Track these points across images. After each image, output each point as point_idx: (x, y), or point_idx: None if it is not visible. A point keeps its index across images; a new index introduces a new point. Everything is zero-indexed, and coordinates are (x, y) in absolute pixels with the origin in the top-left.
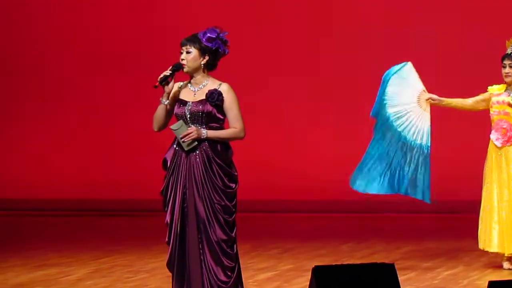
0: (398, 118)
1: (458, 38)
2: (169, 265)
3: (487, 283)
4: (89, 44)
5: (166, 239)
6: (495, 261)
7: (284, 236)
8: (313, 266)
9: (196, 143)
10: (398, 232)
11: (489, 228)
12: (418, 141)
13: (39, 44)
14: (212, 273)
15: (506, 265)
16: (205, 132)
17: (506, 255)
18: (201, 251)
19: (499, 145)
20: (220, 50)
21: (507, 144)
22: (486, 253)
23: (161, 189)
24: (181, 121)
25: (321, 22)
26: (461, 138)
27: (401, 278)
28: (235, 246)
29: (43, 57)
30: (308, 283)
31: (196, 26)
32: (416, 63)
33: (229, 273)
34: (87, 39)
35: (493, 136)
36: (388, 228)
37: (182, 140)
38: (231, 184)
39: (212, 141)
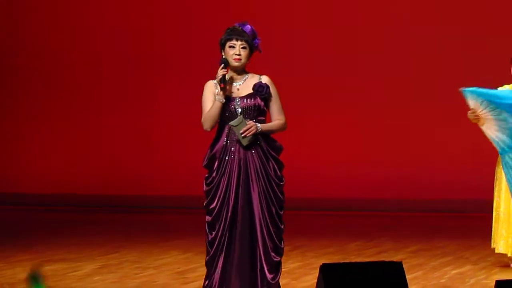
0: None
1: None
2: (209, 263)
3: (494, 282)
4: (89, 44)
5: (211, 237)
6: (502, 260)
7: (293, 233)
8: (321, 264)
9: (254, 138)
10: (406, 231)
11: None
12: None
13: (39, 42)
14: (265, 266)
15: None
16: (260, 126)
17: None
18: (259, 246)
19: None
20: (258, 47)
21: None
22: (493, 252)
23: (208, 187)
24: (241, 117)
25: (324, 22)
26: (472, 137)
27: (408, 276)
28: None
29: (45, 56)
30: (316, 280)
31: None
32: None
33: (277, 268)
34: (87, 39)
35: None
36: (396, 226)
37: (243, 135)
38: (283, 177)
39: (264, 135)
